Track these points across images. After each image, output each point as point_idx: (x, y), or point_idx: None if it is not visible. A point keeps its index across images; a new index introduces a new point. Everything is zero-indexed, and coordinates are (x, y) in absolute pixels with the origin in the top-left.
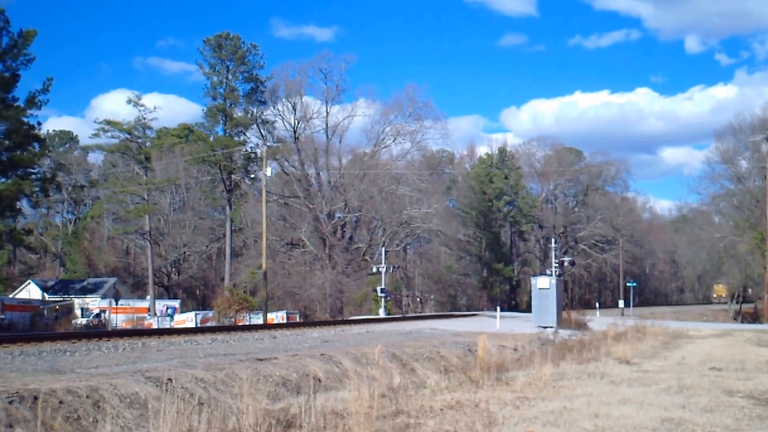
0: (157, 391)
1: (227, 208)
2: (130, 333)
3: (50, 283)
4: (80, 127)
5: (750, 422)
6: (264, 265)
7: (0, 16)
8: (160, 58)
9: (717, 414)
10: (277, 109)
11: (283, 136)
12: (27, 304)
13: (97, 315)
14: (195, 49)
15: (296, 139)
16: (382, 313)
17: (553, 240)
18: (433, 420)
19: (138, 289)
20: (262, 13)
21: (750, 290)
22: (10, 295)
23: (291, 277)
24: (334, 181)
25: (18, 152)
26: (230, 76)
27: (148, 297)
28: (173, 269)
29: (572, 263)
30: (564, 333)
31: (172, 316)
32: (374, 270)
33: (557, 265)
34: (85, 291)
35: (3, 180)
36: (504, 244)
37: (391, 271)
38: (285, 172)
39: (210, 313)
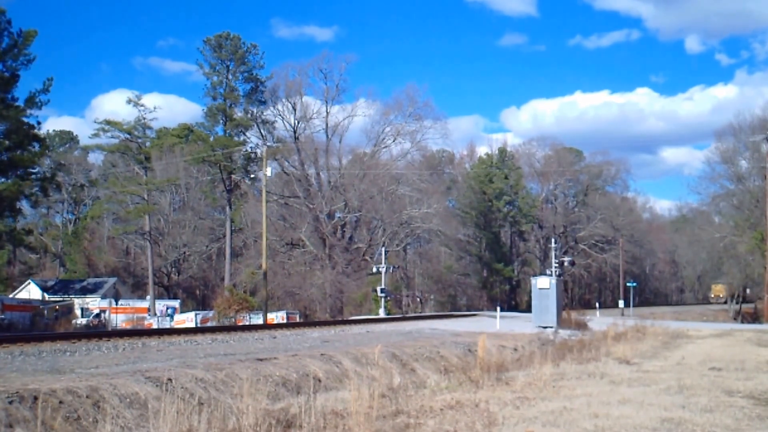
0: (157, 391)
1: (227, 208)
2: (130, 333)
3: (50, 283)
4: (80, 127)
5: (750, 422)
6: (264, 265)
7: (1, 17)
8: (160, 58)
9: (717, 414)
10: (277, 109)
11: (283, 136)
12: (27, 304)
13: (97, 315)
14: (195, 49)
15: (296, 139)
16: (382, 313)
17: (553, 240)
18: (433, 420)
19: (138, 289)
20: (262, 13)
21: (750, 290)
22: (10, 295)
23: (291, 277)
24: (334, 181)
25: (18, 152)
26: (230, 76)
27: (148, 297)
28: (173, 269)
29: (572, 263)
30: (564, 333)
31: (172, 316)
32: (374, 270)
33: (557, 265)
34: (85, 291)
35: (3, 180)
36: (504, 244)
37: (391, 271)
38: (285, 172)
39: (210, 313)
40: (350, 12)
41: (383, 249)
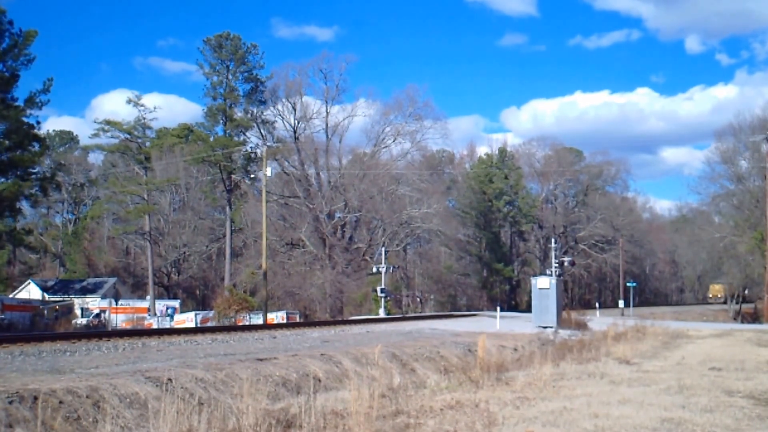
0: (157, 391)
1: (227, 208)
2: (130, 333)
3: (50, 283)
4: (80, 127)
5: (750, 422)
6: (264, 265)
7: (1, 17)
8: (160, 58)
9: (717, 414)
10: (277, 109)
11: (283, 136)
12: (27, 304)
13: (97, 315)
14: (195, 49)
15: (296, 139)
16: (382, 313)
17: (553, 240)
18: (433, 420)
19: (138, 289)
20: (262, 13)
21: (749, 290)
22: (10, 295)
23: (291, 277)
24: (334, 181)
25: (18, 152)
26: (230, 76)
27: (148, 297)
28: (173, 269)
29: (572, 263)
30: (564, 333)
31: (172, 316)
32: (374, 270)
33: (557, 265)
34: (85, 291)
35: (3, 180)
36: (504, 244)
37: (391, 271)
38: (285, 172)
39: (210, 313)
40: (350, 12)
41: (383, 249)
